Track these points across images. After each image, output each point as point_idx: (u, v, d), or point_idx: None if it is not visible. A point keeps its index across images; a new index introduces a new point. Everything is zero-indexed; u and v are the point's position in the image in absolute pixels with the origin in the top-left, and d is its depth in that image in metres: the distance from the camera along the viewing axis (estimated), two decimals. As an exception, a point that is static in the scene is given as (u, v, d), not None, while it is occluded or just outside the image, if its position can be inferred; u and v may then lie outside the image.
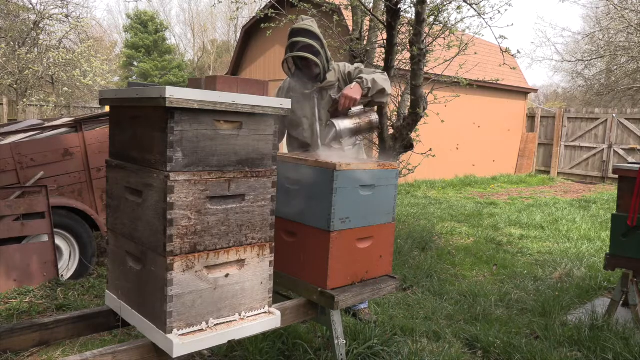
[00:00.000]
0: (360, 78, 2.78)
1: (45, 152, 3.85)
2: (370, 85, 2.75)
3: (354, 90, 2.72)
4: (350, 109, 2.81)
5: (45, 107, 12.94)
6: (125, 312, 1.88)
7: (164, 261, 1.63)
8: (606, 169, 12.79)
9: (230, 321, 1.81)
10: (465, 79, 5.97)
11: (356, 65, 3.05)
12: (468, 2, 4.66)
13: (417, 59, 4.09)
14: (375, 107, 3.20)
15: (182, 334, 1.68)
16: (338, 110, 2.81)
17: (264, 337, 2.64)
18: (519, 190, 10.85)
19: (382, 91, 2.80)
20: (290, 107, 1.92)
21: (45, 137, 3.99)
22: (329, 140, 2.79)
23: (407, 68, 5.15)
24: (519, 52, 4.95)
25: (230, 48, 31.89)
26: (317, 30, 2.84)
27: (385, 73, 3.03)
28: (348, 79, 2.97)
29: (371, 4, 5.86)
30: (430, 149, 5.47)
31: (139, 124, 1.76)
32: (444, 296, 3.71)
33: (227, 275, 1.79)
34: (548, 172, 13.88)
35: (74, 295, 3.48)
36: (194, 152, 1.67)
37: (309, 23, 2.84)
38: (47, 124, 4.51)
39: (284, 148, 3.26)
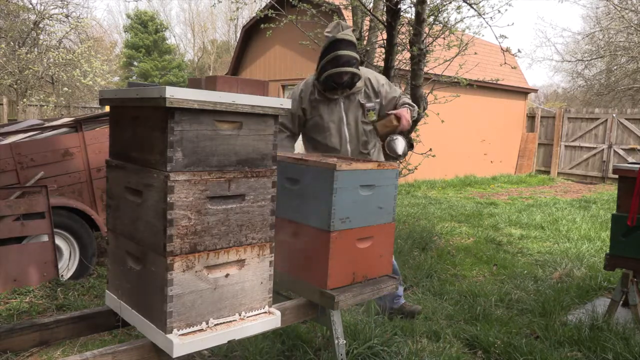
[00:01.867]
0: (408, 105, 3.04)
1: (45, 152, 3.85)
2: (415, 115, 3.10)
3: (409, 116, 2.97)
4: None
5: (45, 107, 12.94)
6: (125, 312, 1.88)
7: (164, 261, 1.63)
8: (606, 169, 12.79)
9: (230, 321, 1.81)
10: (465, 79, 5.97)
11: (387, 86, 3.11)
12: (468, 2, 4.66)
13: (417, 59, 4.10)
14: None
15: (182, 334, 1.68)
16: (395, 129, 2.96)
17: (263, 337, 2.64)
18: (519, 190, 10.85)
19: (419, 116, 3.17)
20: (290, 107, 1.92)
21: (45, 137, 3.99)
22: (403, 153, 2.95)
23: (407, 68, 5.15)
24: (519, 51, 4.96)
25: (230, 48, 31.89)
26: (355, 39, 2.89)
27: (408, 97, 3.19)
28: (376, 96, 3.05)
29: (371, 4, 5.85)
30: (430, 149, 5.47)
31: (139, 124, 1.76)
32: (444, 296, 3.71)
33: (227, 275, 1.79)
34: (548, 172, 13.88)
35: (74, 295, 3.48)
36: (194, 152, 1.67)
37: (350, 33, 2.86)
38: (47, 124, 4.51)
39: (299, 149, 3.31)
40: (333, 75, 2.83)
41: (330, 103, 2.99)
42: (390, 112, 3.02)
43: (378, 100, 3.07)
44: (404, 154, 2.99)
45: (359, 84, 3.01)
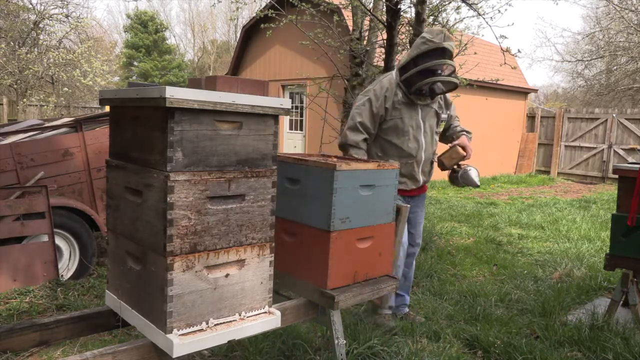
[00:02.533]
0: (465, 132, 3.16)
1: (45, 152, 3.85)
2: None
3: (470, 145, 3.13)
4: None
5: (45, 107, 12.94)
6: (125, 312, 1.88)
7: (164, 261, 1.63)
8: (606, 169, 12.79)
9: (230, 321, 1.81)
10: (465, 79, 5.97)
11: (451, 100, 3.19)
12: (467, 2, 4.66)
13: (417, 59, 4.09)
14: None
15: (182, 334, 1.68)
16: (461, 159, 3.12)
17: (263, 337, 2.64)
18: (519, 190, 10.85)
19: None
20: (289, 107, 1.92)
21: (45, 137, 3.99)
22: (476, 181, 3.08)
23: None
24: (519, 51, 4.96)
25: (230, 48, 31.89)
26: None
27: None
28: (446, 107, 3.13)
29: (371, 4, 5.86)
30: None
31: (139, 124, 1.76)
32: (444, 296, 3.71)
33: (227, 275, 1.79)
34: (548, 172, 13.88)
35: (74, 295, 3.48)
36: (194, 152, 1.67)
37: (452, 44, 2.85)
38: (47, 124, 4.51)
39: (301, 148, 3.36)
40: (436, 84, 2.83)
41: (411, 107, 2.95)
42: (454, 143, 3.11)
43: (448, 112, 3.11)
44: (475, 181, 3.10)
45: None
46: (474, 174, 3.10)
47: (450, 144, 3.17)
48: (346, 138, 2.95)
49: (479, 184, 3.13)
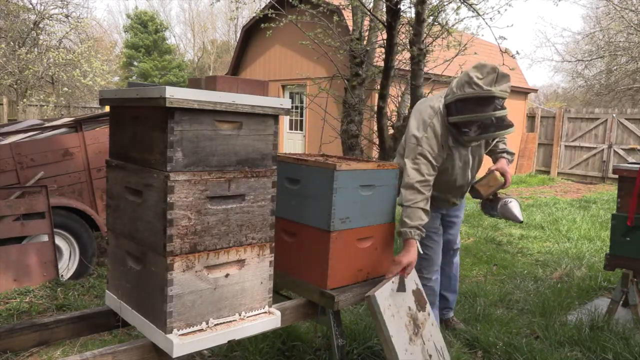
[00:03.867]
0: (507, 153, 2.82)
1: (45, 152, 3.85)
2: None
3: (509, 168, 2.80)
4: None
5: (45, 107, 12.94)
6: (125, 312, 1.88)
7: (164, 261, 1.63)
8: (606, 169, 12.79)
9: (230, 321, 1.81)
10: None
11: None
12: (467, 2, 4.66)
13: (417, 59, 4.10)
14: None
15: (182, 334, 1.68)
16: (500, 187, 2.78)
17: (263, 337, 2.64)
18: (519, 190, 10.85)
19: None
20: (289, 107, 1.92)
21: (45, 137, 3.99)
22: (519, 217, 2.75)
23: (407, 68, 5.15)
24: (517, 53, 4.96)
25: (230, 48, 31.89)
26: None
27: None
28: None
29: (371, 4, 5.86)
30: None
31: (139, 124, 1.76)
32: (444, 296, 3.71)
33: (227, 275, 1.79)
34: (548, 172, 13.88)
35: (74, 295, 3.48)
36: (194, 152, 1.67)
37: (507, 88, 2.39)
38: (47, 124, 4.51)
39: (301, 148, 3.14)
40: (488, 133, 2.48)
41: (460, 146, 2.63)
42: (492, 168, 2.75)
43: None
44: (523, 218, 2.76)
45: None
46: (516, 209, 2.72)
47: (488, 170, 2.81)
48: (403, 198, 2.50)
49: (522, 219, 2.74)
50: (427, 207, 2.46)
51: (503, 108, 2.39)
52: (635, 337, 2.91)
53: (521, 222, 2.78)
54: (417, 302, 2.39)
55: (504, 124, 2.44)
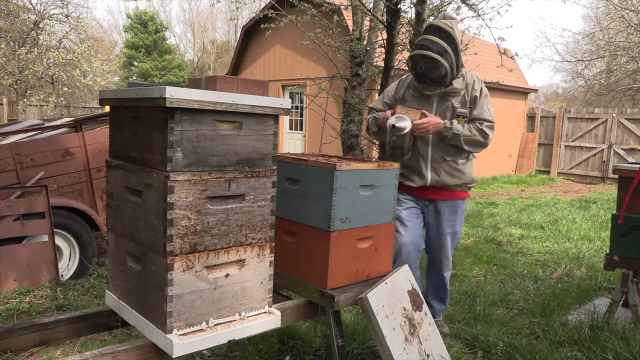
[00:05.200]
0: (451, 123, 2.76)
1: (45, 152, 3.85)
2: (449, 135, 2.77)
3: (433, 127, 2.72)
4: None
5: (45, 107, 12.94)
6: (125, 312, 1.88)
7: (164, 261, 1.63)
8: (606, 169, 12.79)
9: (230, 321, 1.81)
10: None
11: (484, 98, 2.87)
12: (467, 2, 4.66)
13: (417, 59, 4.08)
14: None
15: (182, 334, 1.68)
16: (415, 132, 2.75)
17: (263, 337, 2.64)
18: (519, 190, 10.85)
19: (459, 145, 2.81)
20: (289, 107, 1.92)
21: (45, 137, 3.99)
22: (398, 127, 2.69)
23: (407, 68, 5.15)
24: (516, 54, 4.96)
25: (230, 48, 31.89)
26: (452, 31, 2.67)
27: (491, 126, 2.88)
28: (471, 102, 2.84)
29: (371, 4, 5.86)
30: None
31: (139, 124, 1.76)
32: (444, 296, 3.71)
33: (227, 275, 1.79)
34: (548, 172, 13.88)
35: (74, 295, 3.48)
36: (194, 152, 1.67)
37: (447, 22, 2.66)
38: (47, 124, 4.51)
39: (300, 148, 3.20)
40: (417, 60, 2.68)
41: (423, 101, 2.80)
42: (426, 113, 2.76)
43: (471, 108, 2.85)
44: (400, 129, 2.68)
45: (458, 85, 2.78)
46: (400, 122, 2.68)
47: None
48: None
49: (406, 128, 2.67)
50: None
51: (435, 35, 2.65)
52: (635, 337, 2.91)
53: (396, 128, 2.69)
54: (413, 302, 2.39)
55: (422, 46, 2.66)
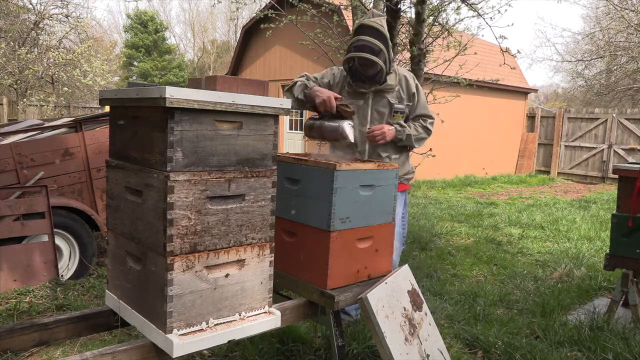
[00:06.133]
0: (402, 127, 2.84)
1: (45, 152, 3.85)
2: (404, 138, 2.86)
3: (389, 134, 2.80)
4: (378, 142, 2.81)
5: (45, 107, 12.94)
6: (125, 312, 1.88)
7: (164, 261, 1.63)
8: (606, 169, 12.79)
9: (230, 321, 1.81)
10: (465, 79, 5.97)
11: (422, 94, 2.96)
12: (467, 2, 4.66)
13: (417, 59, 4.10)
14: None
15: (182, 334, 1.68)
16: (371, 138, 2.80)
17: (263, 337, 2.64)
18: (519, 190, 10.85)
19: (411, 146, 2.93)
20: (289, 107, 1.92)
21: (45, 137, 3.99)
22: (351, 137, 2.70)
23: (407, 68, 5.15)
24: (519, 52, 4.96)
25: (230, 48, 31.89)
26: (384, 29, 2.72)
27: (433, 122, 2.97)
28: (409, 99, 2.90)
29: (371, 4, 5.85)
30: (431, 149, 5.47)
31: (139, 124, 1.76)
32: (444, 296, 3.71)
33: (227, 275, 1.79)
34: (548, 172, 13.88)
35: (74, 295, 3.48)
36: (194, 152, 1.67)
37: (377, 20, 2.72)
38: (47, 124, 4.51)
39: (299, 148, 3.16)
40: (353, 61, 2.71)
41: (358, 98, 2.84)
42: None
43: (410, 104, 2.91)
44: (345, 136, 2.66)
45: (392, 82, 2.84)
46: (347, 129, 2.65)
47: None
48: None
49: (352, 140, 2.67)
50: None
51: (370, 36, 2.66)
52: (635, 337, 2.91)
53: (349, 140, 2.68)
54: (413, 302, 2.39)
55: (359, 48, 2.67)
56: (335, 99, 2.68)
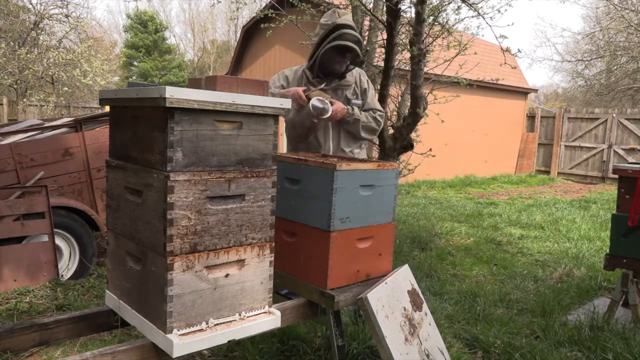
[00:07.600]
0: (353, 109, 2.94)
1: (45, 152, 3.85)
2: (351, 121, 2.94)
3: (341, 112, 2.86)
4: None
5: (45, 107, 12.93)
6: (125, 311, 1.88)
7: (164, 261, 1.63)
8: (606, 169, 12.79)
9: (230, 321, 1.81)
10: (465, 79, 5.96)
11: (372, 90, 3.09)
12: (467, 2, 4.66)
13: (417, 59, 4.09)
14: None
15: (182, 334, 1.68)
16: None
17: (263, 337, 2.64)
18: (519, 190, 10.85)
19: (357, 132, 2.99)
20: (289, 107, 1.92)
21: (45, 137, 3.99)
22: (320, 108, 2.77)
23: (407, 68, 5.15)
24: (519, 51, 4.95)
25: (230, 48, 31.89)
26: (356, 28, 2.87)
27: (383, 115, 3.09)
28: (362, 94, 3.04)
29: (371, 4, 5.85)
30: (430, 149, 5.47)
31: (139, 124, 1.76)
32: (444, 296, 3.71)
33: (227, 275, 1.79)
34: (548, 172, 13.88)
35: (74, 295, 3.48)
36: (194, 152, 1.67)
37: (349, 19, 2.85)
38: (47, 124, 4.51)
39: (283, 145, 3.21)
40: (335, 51, 2.78)
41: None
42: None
43: (364, 99, 3.06)
44: (322, 109, 2.75)
45: (350, 78, 2.98)
46: (317, 102, 2.74)
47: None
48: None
49: (328, 111, 2.74)
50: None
51: (352, 30, 2.81)
52: (635, 337, 2.91)
53: (325, 112, 2.75)
54: (413, 302, 2.39)
55: (337, 42, 2.77)
56: (304, 91, 2.81)
